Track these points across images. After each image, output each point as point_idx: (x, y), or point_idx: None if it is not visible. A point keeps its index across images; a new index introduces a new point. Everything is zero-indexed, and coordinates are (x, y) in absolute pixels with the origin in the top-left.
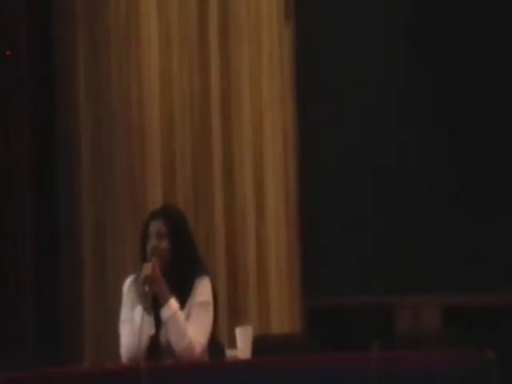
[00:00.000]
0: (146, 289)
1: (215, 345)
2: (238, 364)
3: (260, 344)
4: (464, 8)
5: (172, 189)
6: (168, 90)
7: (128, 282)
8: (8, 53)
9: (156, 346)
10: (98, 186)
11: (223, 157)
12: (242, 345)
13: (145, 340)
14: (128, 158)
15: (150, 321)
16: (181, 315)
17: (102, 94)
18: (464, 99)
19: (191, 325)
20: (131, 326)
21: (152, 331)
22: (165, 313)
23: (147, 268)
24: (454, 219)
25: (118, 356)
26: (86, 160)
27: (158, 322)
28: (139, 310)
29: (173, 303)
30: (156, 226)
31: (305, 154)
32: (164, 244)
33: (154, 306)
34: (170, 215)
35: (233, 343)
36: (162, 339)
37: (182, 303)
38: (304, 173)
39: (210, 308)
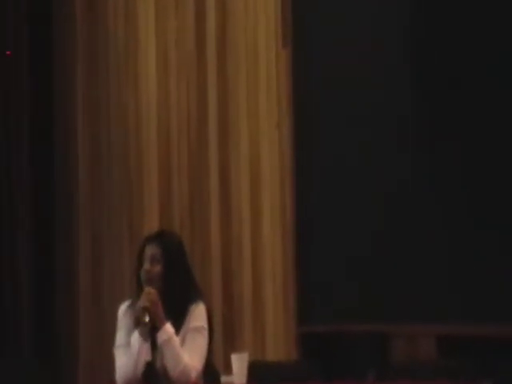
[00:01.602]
0: (146, 319)
1: (210, 370)
2: None
3: (255, 370)
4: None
5: (168, 210)
6: (165, 110)
7: (123, 307)
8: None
9: (151, 371)
10: (95, 206)
11: (220, 178)
12: (238, 371)
13: (141, 366)
14: (125, 179)
15: (147, 347)
16: (176, 340)
17: (100, 114)
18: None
19: (186, 350)
20: (128, 352)
21: (148, 357)
22: (160, 337)
23: (146, 299)
24: (452, 248)
25: (112, 379)
26: (84, 179)
27: (154, 347)
28: (136, 335)
29: (168, 328)
30: (150, 250)
31: (302, 177)
32: (157, 269)
33: (150, 330)
34: (165, 240)
35: (228, 369)
36: (158, 364)
37: (177, 328)
38: (301, 196)
39: (205, 333)
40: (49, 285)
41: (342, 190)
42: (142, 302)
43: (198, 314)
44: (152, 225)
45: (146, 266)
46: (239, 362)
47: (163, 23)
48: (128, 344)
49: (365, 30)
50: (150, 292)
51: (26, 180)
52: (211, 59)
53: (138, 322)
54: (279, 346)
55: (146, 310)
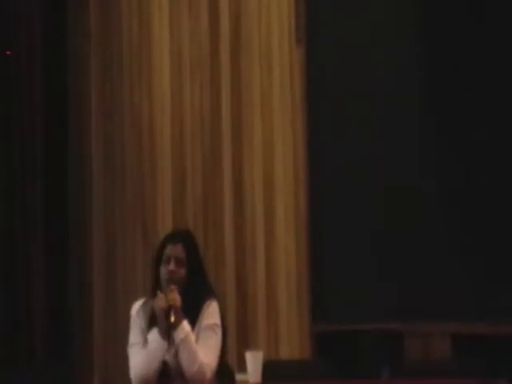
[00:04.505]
0: (172, 318)
1: (224, 368)
2: None
3: (269, 369)
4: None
5: (182, 211)
6: (179, 111)
7: (137, 306)
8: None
9: (165, 370)
10: (108, 209)
11: (234, 178)
12: (252, 369)
13: (157, 364)
14: (139, 181)
15: (165, 346)
16: (193, 338)
17: (114, 116)
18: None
19: (200, 348)
20: (142, 350)
21: (166, 356)
22: (178, 335)
23: (171, 297)
24: (466, 247)
25: (126, 374)
26: (98, 183)
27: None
28: (155, 334)
29: (186, 326)
30: (175, 251)
31: (316, 177)
32: (182, 271)
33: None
34: (189, 240)
35: (242, 368)
36: (172, 362)
37: (191, 327)
38: (315, 196)
39: (219, 331)
40: (62, 285)
41: (355, 192)
42: (169, 300)
43: (211, 312)
44: (165, 226)
45: (172, 266)
46: (254, 360)
47: (177, 23)
48: (142, 342)
49: (379, 27)
50: (174, 290)
51: (39, 178)
52: (225, 59)
53: (155, 321)
54: (293, 345)
55: (172, 308)
